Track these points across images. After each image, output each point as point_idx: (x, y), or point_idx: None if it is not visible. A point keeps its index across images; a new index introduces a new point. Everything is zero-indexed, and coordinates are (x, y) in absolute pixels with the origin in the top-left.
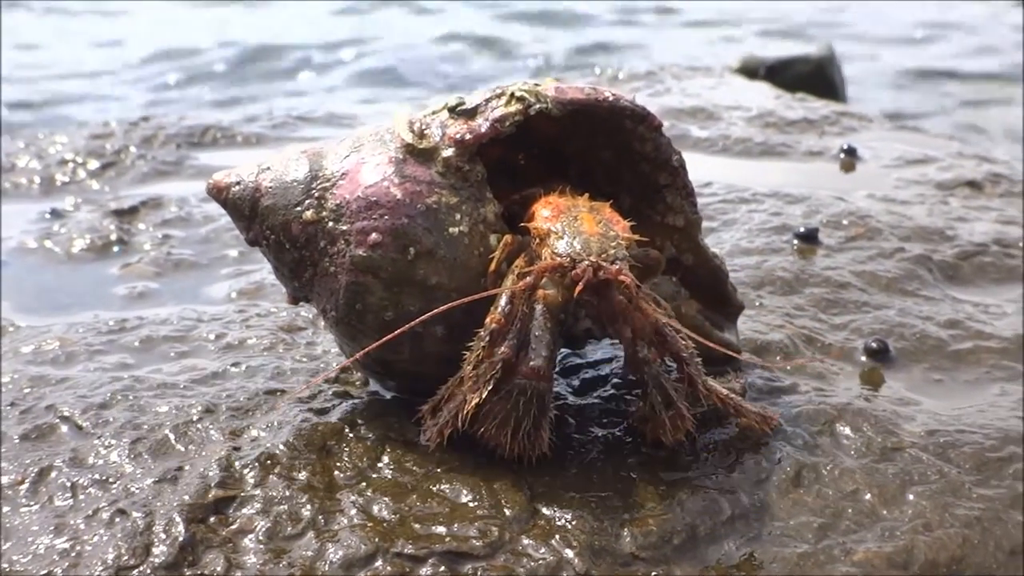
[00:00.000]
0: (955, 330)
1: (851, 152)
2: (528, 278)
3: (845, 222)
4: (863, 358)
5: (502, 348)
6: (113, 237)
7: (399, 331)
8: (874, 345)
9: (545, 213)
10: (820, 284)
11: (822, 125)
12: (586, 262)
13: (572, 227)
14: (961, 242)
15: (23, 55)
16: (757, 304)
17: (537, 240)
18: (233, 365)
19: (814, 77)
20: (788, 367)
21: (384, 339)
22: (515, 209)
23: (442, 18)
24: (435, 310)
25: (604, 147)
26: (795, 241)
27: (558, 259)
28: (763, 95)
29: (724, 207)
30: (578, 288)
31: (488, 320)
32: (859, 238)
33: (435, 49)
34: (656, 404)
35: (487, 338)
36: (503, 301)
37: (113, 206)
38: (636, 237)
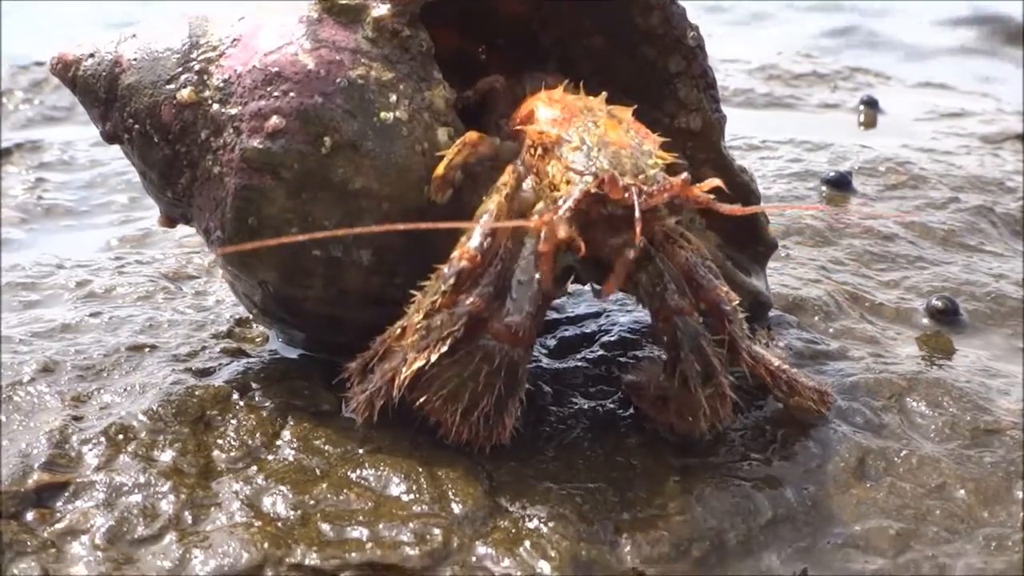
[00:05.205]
0: None
1: (872, 104)
2: (551, 215)
3: (882, 168)
4: (925, 320)
5: (471, 297)
6: None
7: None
8: (939, 304)
9: (549, 114)
10: (860, 235)
11: (834, 79)
12: (628, 181)
13: (593, 135)
14: None
15: None
16: (783, 255)
17: (539, 150)
18: (92, 315)
19: None
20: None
21: (273, 241)
22: (473, 107)
23: None
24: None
25: (594, 30)
26: (823, 188)
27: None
28: (762, 50)
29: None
30: (638, 225)
31: (456, 255)
32: (901, 186)
33: None
34: (691, 376)
35: (452, 280)
36: (478, 233)
37: None
38: (672, 157)
